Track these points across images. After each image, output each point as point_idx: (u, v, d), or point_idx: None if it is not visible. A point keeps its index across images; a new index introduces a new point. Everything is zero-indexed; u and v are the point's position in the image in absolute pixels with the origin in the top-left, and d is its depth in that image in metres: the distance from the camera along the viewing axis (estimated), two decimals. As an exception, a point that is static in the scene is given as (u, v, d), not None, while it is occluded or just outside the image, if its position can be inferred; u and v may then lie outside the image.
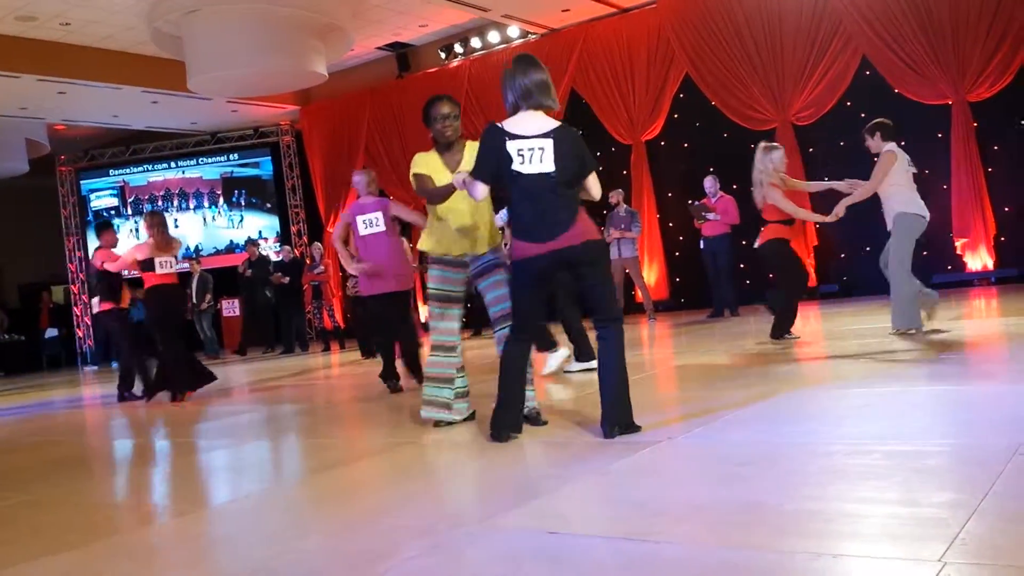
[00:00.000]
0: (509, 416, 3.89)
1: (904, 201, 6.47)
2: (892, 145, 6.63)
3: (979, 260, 11.16)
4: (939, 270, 11.51)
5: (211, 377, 8.00)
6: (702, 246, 11.43)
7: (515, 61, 3.84)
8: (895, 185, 6.49)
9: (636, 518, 2.57)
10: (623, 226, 11.67)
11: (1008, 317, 7.37)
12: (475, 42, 14.88)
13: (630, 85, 13.58)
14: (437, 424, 4.48)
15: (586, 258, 3.73)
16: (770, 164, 6.97)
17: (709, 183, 11.35)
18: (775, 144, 7.10)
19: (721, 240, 11.15)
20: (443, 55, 15.27)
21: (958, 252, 11.29)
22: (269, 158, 18.33)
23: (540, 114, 3.79)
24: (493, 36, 14.63)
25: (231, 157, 18.45)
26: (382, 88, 16.10)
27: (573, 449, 3.69)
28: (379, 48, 15.36)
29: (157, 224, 7.84)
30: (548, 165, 3.68)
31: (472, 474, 3.57)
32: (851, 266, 12.23)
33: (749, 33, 12.40)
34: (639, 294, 12.52)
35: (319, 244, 14.10)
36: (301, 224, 18.11)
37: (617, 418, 3.73)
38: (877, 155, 6.71)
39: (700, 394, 4.95)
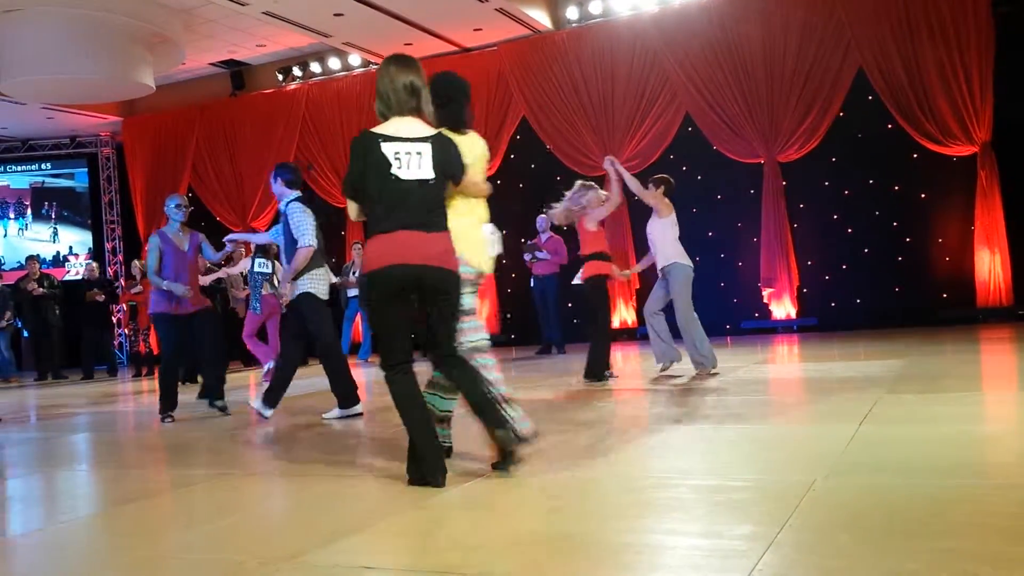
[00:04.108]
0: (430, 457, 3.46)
1: (676, 253, 7.07)
2: (666, 199, 7.21)
3: (783, 309, 11.99)
4: (747, 317, 12.30)
5: None
6: (532, 284, 11.67)
7: (387, 63, 3.56)
8: (672, 235, 7.10)
9: (453, 552, 2.55)
10: (457, 261, 11.74)
11: (807, 362, 7.94)
12: (315, 67, 14.67)
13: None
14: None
15: (444, 285, 3.49)
16: (583, 201, 7.27)
17: (541, 221, 11.63)
18: (593, 184, 7.40)
19: (550, 279, 11.43)
20: (280, 77, 14.95)
21: (765, 301, 12.10)
22: (86, 170, 17.21)
23: (414, 120, 3.52)
24: (334, 63, 14.48)
25: (43, 166, 17.19)
26: (214, 105, 15.55)
27: (395, 484, 3.63)
28: (213, 64, 14.84)
29: None
30: (427, 171, 3.44)
31: (288, 508, 3.44)
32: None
33: (583, 83, 12.91)
34: (469, 329, 12.59)
35: (137, 262, 13.30)
36: (117, 241, 17.08)
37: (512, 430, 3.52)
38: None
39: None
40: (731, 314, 12.45)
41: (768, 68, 11.81)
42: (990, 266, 10.91)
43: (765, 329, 12.11)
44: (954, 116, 10.94)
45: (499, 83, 13.52)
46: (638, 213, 12.91)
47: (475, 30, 12.98)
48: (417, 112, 3.52)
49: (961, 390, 5.41)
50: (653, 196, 7.11)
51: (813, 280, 12.08)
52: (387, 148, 3.40)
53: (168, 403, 6.37)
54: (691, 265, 7.12)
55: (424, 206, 3.44)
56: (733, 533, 2.52)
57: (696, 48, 12.15)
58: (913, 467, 3.23)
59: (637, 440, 4.36)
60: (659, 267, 7.13)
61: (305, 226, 5.92)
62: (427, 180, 3.45)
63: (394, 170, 3.39)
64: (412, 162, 3.41)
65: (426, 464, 3.40)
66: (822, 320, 11.94)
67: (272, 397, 5.98)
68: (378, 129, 3.48)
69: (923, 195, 11.46)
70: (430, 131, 3.54)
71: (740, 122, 12.04)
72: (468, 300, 3.87)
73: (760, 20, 11.80)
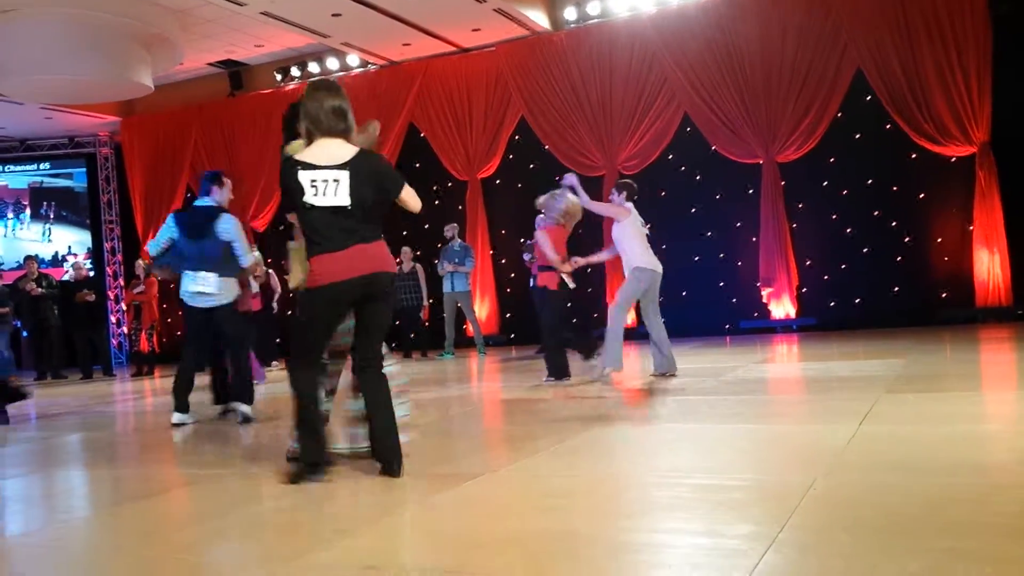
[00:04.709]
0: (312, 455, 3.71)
1: (639, 255, 7.06)
2: (631, 205, 7.25)
3: (783, 309, 12.00)
4: (746, 317, 12.30)
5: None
6: (531, 284, 11.65)
7: (309, 86, 3.70)
8: (629, 241, 7.09)
9: (454, 551, 2.55)
10: (457, 260, 11.76)
11: (806, 362, 7.95)
12: (313, 67, 14.65)
13: (468, 123, 13.79)
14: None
15: (376, 291, 3.65)
16: (554, 211, 7.31)
17: (540, 221, 11.62)
18: (563, 192, 7.44)
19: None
20: (279, 77, 14.94)
21: (764, 301, 12.11)
22: (84, 169, 17.19)
23: (338, 142, 3.63)
24: (332, 63, 14.46)
25: (42, 166, 17.17)
26: (212, 105, 15.54)
27: (395, 482, 3.63)
28: (211, 64, 14.83)
29: None
30: (343, 198, 3.54)
31: (287, 508, 3.44)
32: (668, 309, 12.80)
33: (582, 83, 12.91)
34: (470, 328, 12.61)
35: (141, 262, 13.25)
36: (116, 241, 17.05)
37: (397, 455, 3.66)
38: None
39: (523, 428, 5.02)
40: (730, 314, 12.46)
41: (766, 68, 11.81)
42: (989, 266, 10.92)
43: (764, 329, 12.11)
44: (952, 116, 10.95)
45: (497, 84, 13.53)
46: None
47: (473, 30, 12.98)
48: (343, 134, 3.65)
49: (960, 390, 5.42)
50: (608, 208, 7.12)
51: (812, 280, 12.09)
52: (303, 176, 3.54)
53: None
54: (656, 270, 7.13)
55: (343, 232, 3.57)
56: (734, 532, 2.52)
57: (694, 49, 12.16)
58: (913, 466, 3.23)
59: (637, 439, 4.36)
60: (625, 271, 7.13)
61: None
62: (342, 207, 3.56)
63: (307, 198, 3.53)
64: (328, 189, 3.54)
65: (308, 458, 3.66)
66: (821, 320, 11.94)
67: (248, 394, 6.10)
68: (300, 156, 3.62)
69: (922, 195, 11.47)
70: (351, 155, 3.62)
71: (739, 122, 12.05)
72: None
73: (758, 20, 11.81)
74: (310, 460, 3.67)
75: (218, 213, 6.01)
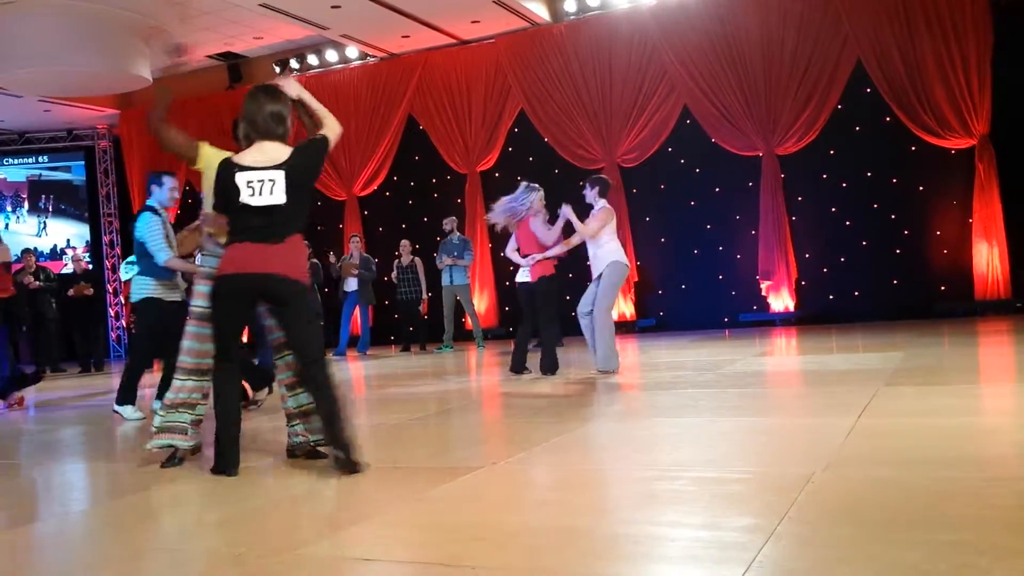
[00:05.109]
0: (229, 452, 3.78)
1: (614, 251, 7.00)
2: (605, 202, 7.16)
3: (782, 302, 12.00)
4: (745, 310, 12.31)
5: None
6: (522, 278, 11.64)
7: (250, 92, 3.85)
8: (607, 237, 7.01)
9: (452, 544, 2.55)
10: (455, 254, 11.76)
11: (805, 355, 7.95)
12: (312, 59, 14.63)
13: (467, 115, 13.77)
14: (170, 458, 4.12)
15: (286, 293, 3.68)
16: (528, 203, 7.27)
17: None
18: (536, 185, 7.41)
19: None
20: (278, 69, 14.90)
21: (763, 294, 12.10)
22: (83, 162, 17.16)
23: (275, 144, 3.76)
24: (331, 55, 14.44)
25: (40, 159, 17.14)
26: (211, 97, 15.51)
27: (393, 475, 3.64)
28: (210, 56, 14.80)
29: None
30: (279, 197, 3.66)
31: (285, 500, 3.44)
32: (668, 302, 12.86)
33: (581, 75, 12.89)
34: (468, 321, 12.61)
35: None
36: (114, 234, 17.04)
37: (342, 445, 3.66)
38: (591, 205, 7.18)
39: (522, 422, 5.02)
40: (729, 307, 12.46)
41: (766, 60, 11.79)
42: (988, 259, 10.92)
43: (763, 322, 12.12)
44: (952, 109, 10.94)
45: (497, 76, 13.50)
46: (636, 207, 12.93)
47: (473, 22, 12.95)
48: (280, 138, 3.80)
49: (959, 383, 5.42)
50: (601, 222, 6.96)
51: (811, 273, 12.09)
52: (240, 178, 3.66)
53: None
54: (627, 264, 7.11)
55: (271, 226, 3.66)
56: (733, 525, 2.52)
57: (694, 41, 12.14)
58: (912, 459, 3.23)
59: (636, 433, 4.36)
60: (597, 266, 7.04)
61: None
62: (278, 205, 3.66)
63: (243, 198, 3.65)
64: (264, 189, 3.66)
65: (224, 458, 3.75)
66: (820, 313, 11.95)
67: (125, 396, 6.26)
68: (236, 159, 3.74)
69: (921, 188, 11.46)
70: (287, 155, 3.73)
71: (738, 115, 12.03)
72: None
73: (758, 12, 11.78)
74: (223, 463, 3.75)
75: (140, 213, 6.22)
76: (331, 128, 3.91)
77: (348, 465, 3.57)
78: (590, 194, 7.21)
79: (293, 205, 3.70)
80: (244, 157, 3.75)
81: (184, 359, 4.12)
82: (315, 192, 12.51)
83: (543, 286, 7.28)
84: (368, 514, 3.01)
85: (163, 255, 5.97)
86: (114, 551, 2.82)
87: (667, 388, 5.95)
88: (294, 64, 14.76)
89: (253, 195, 3.65)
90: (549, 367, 7.30)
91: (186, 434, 4.13)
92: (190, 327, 4.15)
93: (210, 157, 4.25)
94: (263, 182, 3.66)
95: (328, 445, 3.70)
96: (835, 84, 11.52)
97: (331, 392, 3.68)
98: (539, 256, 7.23)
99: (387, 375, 8.91)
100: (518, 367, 7.44)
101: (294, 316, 3.73)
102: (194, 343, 4.11)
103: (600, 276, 6.99)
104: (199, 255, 5.48)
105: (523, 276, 7.66)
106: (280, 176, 3.67)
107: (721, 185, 12.42)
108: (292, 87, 3.97)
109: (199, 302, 4.15)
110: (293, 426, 4.07)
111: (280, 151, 3.75)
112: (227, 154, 4.08)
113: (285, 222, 3.69)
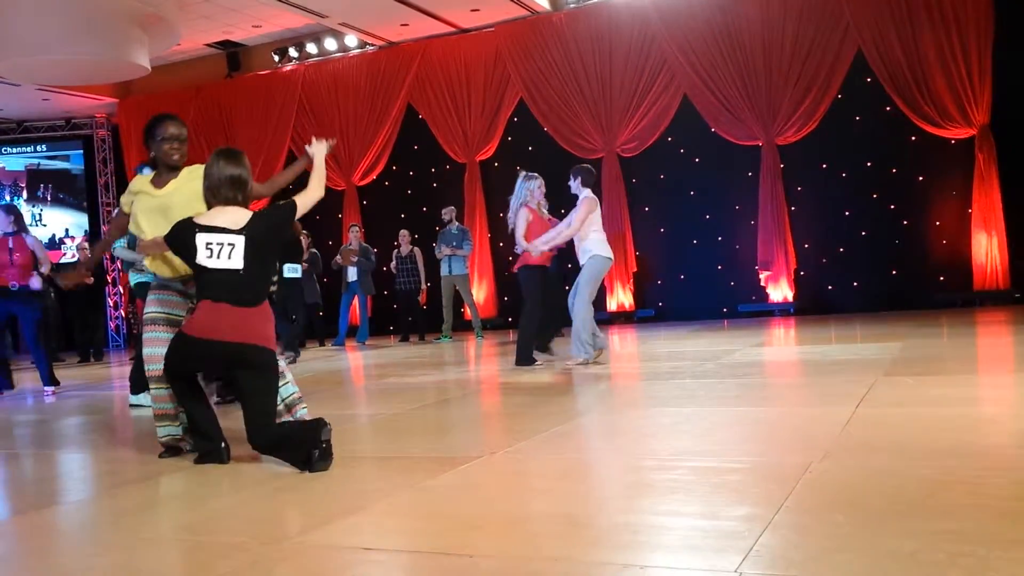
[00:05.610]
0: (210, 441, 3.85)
1: (597, 243, 6.94)
2: (589, 191, 7.09)
3: (780, 292, 12.01)
4: (744, 300, 12.31)
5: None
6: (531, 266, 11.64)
7: (214, 155, 3.83)
8: (591, 228, 6.97)
9: (453, 532, 2.56)
10: (454, 243, 11.75)
11: (803, 345, 7.96)
12: (311, 48, 14.59)
13: (466, 105, 13.74)
14: (169, 448, 4.12)
15: (257, 362, 3.65)
16: (525, 192, 7.24)
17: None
18: (534, 174, 7.38)
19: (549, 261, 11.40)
20: (276, 58, 14.87)
21: (762, 284, 12.11)
22: (81, 152, 17.14)
23: (234, 208, 3.75)
24: (330, 43, 14.40)
25: (39, 148, 17.11)
26: (209, 86, 15.48)
27: (392, 465, 3.64)
28: (208, 45, 14.76)
29: None
30: (236, 262, 3.64)
31: (285, 490, 3.44)
32: (666, 292, 12.86)
33: (581, 64, 12.86)
34: (467, 311, 12.62)
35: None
36: (113, 224, 17.01)
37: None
38: (576, 196, 7.13)
39: (521, 411, 5.03)
40: (728, 297, 12.47)
41: (766, 50, 11.77)
42: (987, 249, 10.93)
43: (762, 312, 12.13)
44: (952, 99, 10.93)
45: (496, 65, 13.47)
46: (636, 197, 12.91)
47: (472, 11, 12.91)
48: (239, 203, 3.79)
49: (957, 373, 5.43)
50: (584, 212, 6.89)
51: (810, 263, 12.09)
52: (200, 239, 3.67)
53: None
54: (610, 257, 7.07)
55: (233, 291, 3.64)
56: (730, 514, 2.53)
57: (694, 30, 12.11)
58: (909, 449, 3.24)
59: (634, 422, 4.37)
60: (580, 260, 7.03)
61: None
62: (236, 271, 3.66)
63: (200, 260, 3.66)
64: (223, 252, 3.65)
65: (210, 442, 3.83)
66: (819, 303, 11.96)
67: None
68: (199, 219, 3.74)
69: (920, 178, 11.46)
70: (247, 220, 3.72)
71: (738, 104, 12.01)
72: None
73: (759, 1, 11.75)
74: (206, 457, 3.83)
75: None
76: (309, 194, 3.90)
77: (317, 462, 3.51)
78: (574, 184, 7.18)
79: (252, 271, 3.67)
80: (206, 217, 3.73)
81: (150, 367, 4.03)
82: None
83: (523, 275, 7.27)
84: (367, 503, 3.01)
85: (120, 243, 6.18)
86: (116, 540, 2.83)
87: (666, 378, 5.96)
88: (293, 53, 14.71)
89: (211, 257, 3.63)
90: (523, 360, 7.22)
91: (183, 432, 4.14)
92: (148, 334, 4.05)
93: (132, 191, 4.17)
94: (222, 245, 3.64)
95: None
96: (835, 73, 11.51)
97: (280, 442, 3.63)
98: (539, 244, 7.14)
99: (386, 365, 8.92)
100: (540, 348, 7.38)
101: (260, 383, 3.67)
102: (155, 349, 4.00)
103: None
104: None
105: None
106: (240, 241, 3.66)
107: (720, 175, 12.41)
108: (319, 152, 4.03)
109: (152, 308, 4.07)
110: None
111: (240, 215, 3.73)
112: (145, 179, 4.13)
113: (251, 286, 3.68)
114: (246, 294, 3.66)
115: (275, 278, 8.97)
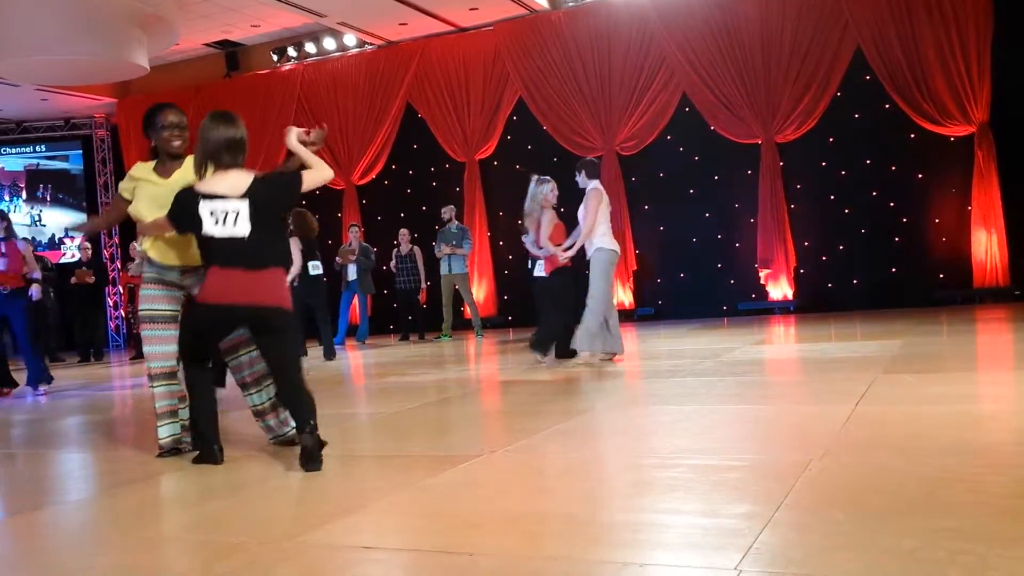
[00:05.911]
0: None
1: (600, 236, 6.91)
2: (597, 183, 7.06)
3: (780, 290, 12.01)
4: (743, 298, 12.31)
5: None
6: (530, 265, 11.64)
7: (209, 117, 3.73)
8: (599, 220, 6.93)
9: (453, 531, 2.56)
10: (454, 242, 11.75)
11: (803, 343, 7.96)
12: (310, 47, 14.58)
13: (465, 104, 13.73)
14: (168, 448, 4.13)
15: (275, 322, 3.65)
16: (540, 195, 7.23)
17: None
18: (547, 177, 7.37)
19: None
20: (275, 58, 14.86)
21: (761, 282, 12.11)
22: (80, 152, 17.13)
23: (235, 172, 3.66)
24: (329, 43, 14.39)
25: (38, 148, 17.10)
26: (209, 86, 15.46)
27: (392, 463, 3.64)
28: (207, 45, 14.75)
29: None
30: (243, 228, 3.58)
31: (284, 490, 3.44)
32: (666, 290, 12.86)
33: (580, 63, 12.85)
34: (467, 310, 12.62)
35: (137, 244, 13.18)
36: (113, 223, 17.00)
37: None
38: (584, 190, 7.10)
39: (520, 410, 5.03)
40: (728, 295, 12.47)
41: (765, 48, 11.76)
42: (987, 246, 10.92)
43: (762, 310, 12.12)
44: (952, 96, 10.92)
45: (495, 63, 13.46)
46: (635, 195, 12.91)
47: (471, 9, 12.90)
48: (238, 165, 3.69)
49: (957, 370, 5.43)
50: (592, 206, 6.86)
51: (810, 261, 12.09)
52: (203, 207, 3.58)
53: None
54: (616, 249, 7.01)
55: (239, 255, 3.59)
56: (730, 512, 2.53)
57: (693, 28, 12.10)
58: (909, 446, 3.24)
59: (634, 420, 4.37)
60: (587, 252, 7.00)
61: None
62: (242, 237, 3.59)
63: (207, 229, 3.58)
64: (228, 219, 3.58)
65: (207, 446, 3.81)
66: (819, 301, 11.95)
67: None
68: (200, 187, 3.64)
69: (920, 175, 11.45)
70: (249, 183, 3.63)
71: (737, 102, 12.00)
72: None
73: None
74: (201, 458, 3.82)
75: None
76: (315, 172, 3.77)
77: (312, 460, 3.51)
78: (580, 178, 7.17)
79: (259, 234, 3.60)
80: (206, 184, 3.63)
81: (150, 365, 4.03)
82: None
83: (557, 280, 7.22)
84: (367, 502, 3.02)
85: None
86: (116, 540, 2.83)
87: (666, 376, 5.96)
88: (291, 52, 14.71)
89: (216, 224, 3.57)
90: (539, 347, 7.24)
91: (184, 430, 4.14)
92: (147, 332, 4.04)
93: (134, 178, 4.15)
94: (227, 212, 3.57)
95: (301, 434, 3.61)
96: (834, 71, 11.50)
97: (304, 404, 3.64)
98: (556, 250, 7.08)
99: (386, 364, 8.92)
100: (559, 353, 7.30)
101: (280, 343, 3.67)
102: (155, 347, 4.01)
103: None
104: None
105: (539, 271, 7.58)
106: (244, 206, 3.59)
107: (720, 173, 12.41)
108: (290, 136, 3.87)
109: (147, 305, 4.04)
110: (266, 422, 4.08)
111: (241, 179, 3.64)
112: (147, 166, 4.09)
113: (259, 249, 3.61)
114: (256, 258, 3.60)
115: (297, 273, 8.97)
